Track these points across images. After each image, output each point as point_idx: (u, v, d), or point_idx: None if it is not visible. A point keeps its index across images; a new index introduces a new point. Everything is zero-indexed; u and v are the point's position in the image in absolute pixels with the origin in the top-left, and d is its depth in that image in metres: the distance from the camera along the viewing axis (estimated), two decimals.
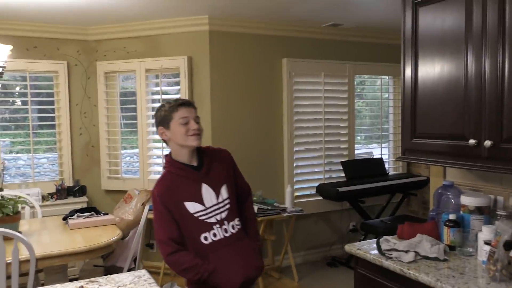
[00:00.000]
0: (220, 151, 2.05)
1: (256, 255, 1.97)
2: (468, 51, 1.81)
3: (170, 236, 1.84)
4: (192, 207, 1.87)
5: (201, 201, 1.88)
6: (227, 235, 1.90)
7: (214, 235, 1.87)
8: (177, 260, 1.83)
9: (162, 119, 1.91)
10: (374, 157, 5.06)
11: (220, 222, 1.89)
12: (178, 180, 1.90)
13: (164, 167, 1.97)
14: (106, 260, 3.24)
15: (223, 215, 1.90)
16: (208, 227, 1.87)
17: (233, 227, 1.92)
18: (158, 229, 1.87)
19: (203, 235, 1.87)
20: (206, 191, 1.90)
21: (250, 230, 2.02)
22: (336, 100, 4.67)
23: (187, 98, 4.07)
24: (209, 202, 1.89)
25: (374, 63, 4.84)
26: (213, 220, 1.88)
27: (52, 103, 4.28)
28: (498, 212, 1.92)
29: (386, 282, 1.88)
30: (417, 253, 1.89)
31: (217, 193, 1.91)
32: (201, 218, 1.86)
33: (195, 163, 1.93)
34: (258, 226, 2.07)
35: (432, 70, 1.98)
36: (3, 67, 2.74)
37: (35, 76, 4.25)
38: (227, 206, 1.92)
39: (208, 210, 1.88)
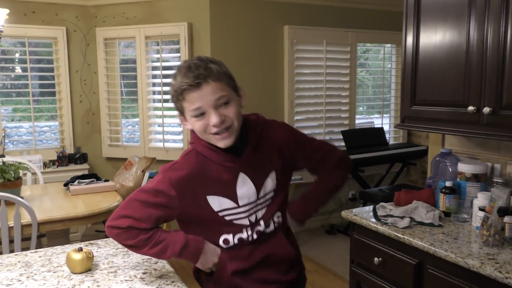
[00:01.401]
0: (273, 124, 1.41)
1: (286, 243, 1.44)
2: (471, 17, 1.77)
3: (135, 224, 1.30)
4: (217, 203, 1.32)
5: (233, 197, 1.32)
6: (255, 237, 1.37)
7: (240, 240, 1.36)
8: (124, 233, 1.32)
9: (175, 103, 1.30)
10: (375, 126, 5.05)
11: (254, 224, 1.36)
12: (206, 164, 1.31)
13: (190, 142, 1.36)
14: None
15: (260, 213, 1.36)
16: (235, 229, 1.35)
17: (267, 225, 1.38)
18: (131, 206, 1.32)
19: (223, 236, 1.36)
20: (244, 184, 1.32)
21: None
22: (337, 68, 4.62)
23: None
24: (244, 199, 1.33)
25: (377, 31, 4.76)
26: (245, 221, 1.34)
27: (52, 70, 4.25)
28: (494, 180, 1.92)
29: (381, 247, 1.91)
30: (412, 219, 1.91)
31: (259, 187, 1.34)
32: (228, 218, 1.33)
33: (231, 147, 1.30)
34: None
35: (434, 36, 1.95)
36: (1, 31, 2.70)
37: (35, 42, 4.20)
38: (268, 202, 1.37)
39: (241, 209, 1.34)
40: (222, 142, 1.26)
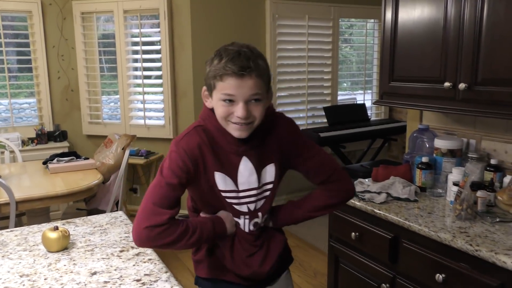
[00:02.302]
0: (281, 119, 1.38)
1: (277, 238, 1.44)
2: None
3: (173, 214, 1.24)
4: (222, 181, 1.30)
5: (235, 180, 1.31)
6: (253, 229, 1.37)
7: (237, 224, 1.36)
8: (166, 230, 1.23)
9: (206, 78, 1.27)
10: (357, 103, 5.07)
11: (252, 214, 1.35)
12: (214, 142, 1.30)
13: (201, 117, 1.34)
14: (89, 204, 3.28)
15: (259, 204, 1.35)
16: (234, 214, 1.34)
17: (266, 220, 1.40)
18: (160, 195, 1.24)
19: None
20: (246, 169, 1.31)
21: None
22: (320, 44, 4.59)
23: (167, 40, 3.96)
24: (244, 184, 1.32)
25: (360, 6, 4.72)
26: (244, 208, 1.33)
27: (28, 45, 4.13)
28: (469, 155, 1.96)
29: (359, 222, 1.94)
30: (389, 194, 1.94)
31: (259, 174, 1.33)
32: (228, 200, 1.32)
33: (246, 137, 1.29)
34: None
35: (413, 12, 1.94)
36: None
37: (11, 16, 4.07)
38: (266, 194, 1.36)
39: (241, 195, 1.33)
40: (237, 133, 1.25)
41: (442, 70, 1.82)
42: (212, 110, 1.30)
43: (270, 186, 1.35)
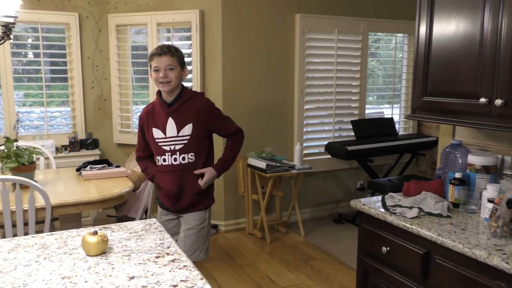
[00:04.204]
0: (198, 97, 2.38)
1: (194, 181, 2.38)
2: (486, 7, 1.76)
3: (139, 149, 2.52)
4: (156, 133, 2.35)
5: (164, 131, 2.32)
6: (175, 163, 2.35)
7: (164, 160, 2.36)
8: (139, 164, 2.54)
9: (148, 62, 2.34)
10: (385, 117, 5.03)
11: (172, 152, 2.33)
12: (156, 110, 2.36)
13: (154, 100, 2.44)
14: (119, 211, 3.34)
15: (177, 147, 2.33)
16: (162, 152, 2.36)
17: (183, 158, 2.34)
18: (137, 141, 2.51)
19: (157, 157, 2.40)
20: (170, 124, 2.31)
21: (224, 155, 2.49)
22: (349, 58, 4.60)
23: (198, 52, 4.05)
24: (169, 133, 2.32)
25: (390, 20, 4.72)
26: (167, 148, 2.34)
27: (64, 55, 4.28)
28: (504, 172, 1.93)
29: (389, 236, 1.93)
30: (420, 209, 1.92)
31: (179, 128, 2.30)
32: (159, 143, 2.35)
33: (168, 101, 2.33)
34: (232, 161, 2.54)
35: (448, 26, 1.94)
36: (15, 17, 2.73)
37: (47, 28, 4.24)
38: (185, 142, 2.32)
39: (167, 140, 2.33)
40: (163, 88, 2.28)
41: (478, 86, 1.81)
42: (158, 92, 2.37)
43: (188, 137, 2.32)
